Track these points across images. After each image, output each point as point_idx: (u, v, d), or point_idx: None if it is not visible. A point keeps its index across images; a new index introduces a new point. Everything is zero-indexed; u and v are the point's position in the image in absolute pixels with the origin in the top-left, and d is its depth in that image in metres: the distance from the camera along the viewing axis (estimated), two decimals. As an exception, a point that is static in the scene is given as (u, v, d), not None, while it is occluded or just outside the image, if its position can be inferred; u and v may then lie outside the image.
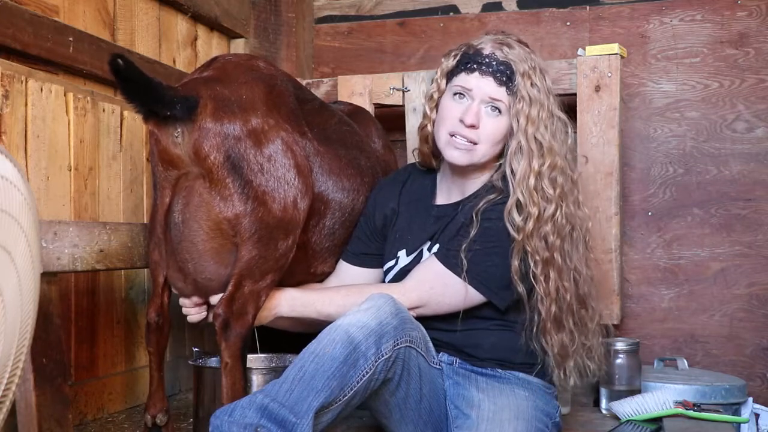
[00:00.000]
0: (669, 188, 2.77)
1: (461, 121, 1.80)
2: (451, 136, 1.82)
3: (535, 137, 1.78)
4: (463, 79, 1.82)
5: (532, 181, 1.77)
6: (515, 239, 1.75)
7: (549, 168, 1.78)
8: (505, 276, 1.78)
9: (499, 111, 1.81)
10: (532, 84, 1.79)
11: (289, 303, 1.81)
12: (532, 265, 1.76)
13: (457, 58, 1.86)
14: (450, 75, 1.87)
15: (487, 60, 1.80)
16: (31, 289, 1.10)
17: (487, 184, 1.87)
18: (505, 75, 1.79)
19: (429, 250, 1.88)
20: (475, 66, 1.81)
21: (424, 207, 1.96)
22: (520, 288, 1.76)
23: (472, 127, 1.80)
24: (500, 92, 1.80)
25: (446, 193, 1.95)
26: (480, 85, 1.80)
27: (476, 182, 1.89)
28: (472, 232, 1.77)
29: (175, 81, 1.85)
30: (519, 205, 1.77)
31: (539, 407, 1.79)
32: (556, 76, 2.44)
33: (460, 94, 1.83)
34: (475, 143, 1.81)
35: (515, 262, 1.75)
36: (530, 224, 1.75)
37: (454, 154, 1.83)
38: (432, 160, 1.98)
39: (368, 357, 1.56)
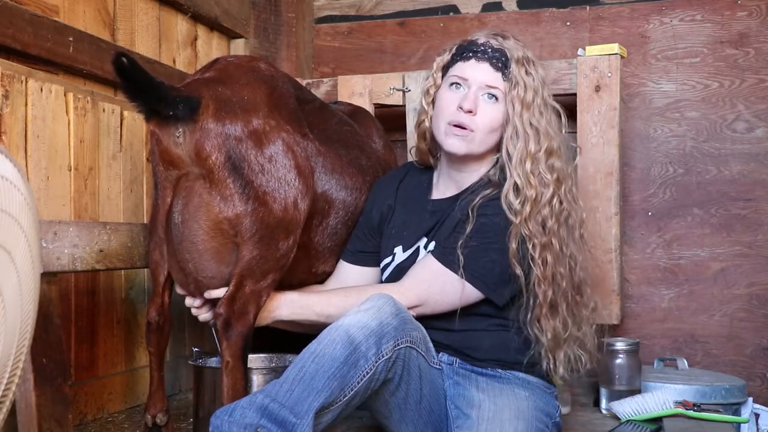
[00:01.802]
0: (669, 188, 2.77)
1: (459, 107, 1.81)
2: (450, 125, 1.83)
3: (530, 122, 1.79)
4: (459, 69, 1.84)
5: (528, 164, 1.78)
6: (513, 222, 1.75)
7: (545, 153, 1.79)
8: (503, 272, 1.78)
9: (496, 98, 1.82)
10: (527, 72, 1.81)
11: (289, 305, 1.81)
12: (530, 248, 1.76)
13: (452, 52, 1.88)
14: (446, 68, 1.89)
15: (482, 48, 1.83)
16: (31, 289, 1.10)
17: (483, 179, 1.87)
18: (500, 61, 1.81)
19: (425, 246, 1.88)
20: (470, 54, 1.83)
21: (420, 202, 1.96)
22: (518, 271, 1.76)
23: (470, 112, 1.81)
24: (496, 78, 1.81)
25: (442, 188, 1.95)
26: (476, 73, 1.82)
27: (473, 176, 1.89)
28: (468, 228, 1.77)
29: (176, 81, 1.85)
30: (516, 189, 1.77)
31: (539, 407, 1.79)
32: (556, 76, 2.44)
33: (457, 83, 1.84)
34: (472, 131, 1.81)
35: (513, 245, 1.75)
36: (527, 207, 1.75)
37: (452, 142, 1.83)
38: (429, 158, 1.98)
39: (369, 357, 1.56)
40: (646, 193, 2.79)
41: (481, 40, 1.84)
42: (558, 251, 1.78)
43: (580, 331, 1.84)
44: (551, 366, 1.81)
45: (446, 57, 1.89)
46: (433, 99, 1.90)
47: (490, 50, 1.82)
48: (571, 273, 1.81)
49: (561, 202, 1.80)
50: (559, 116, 1.86)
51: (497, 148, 1.87)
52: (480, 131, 1.82)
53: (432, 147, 1.95)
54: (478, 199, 1.81)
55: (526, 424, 1.71)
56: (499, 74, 1.81)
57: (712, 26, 2.75)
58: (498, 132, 1.84)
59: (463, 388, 1.80)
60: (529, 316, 1.79)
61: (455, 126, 1.82)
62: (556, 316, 1.79)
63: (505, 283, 1.79)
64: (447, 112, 1.84)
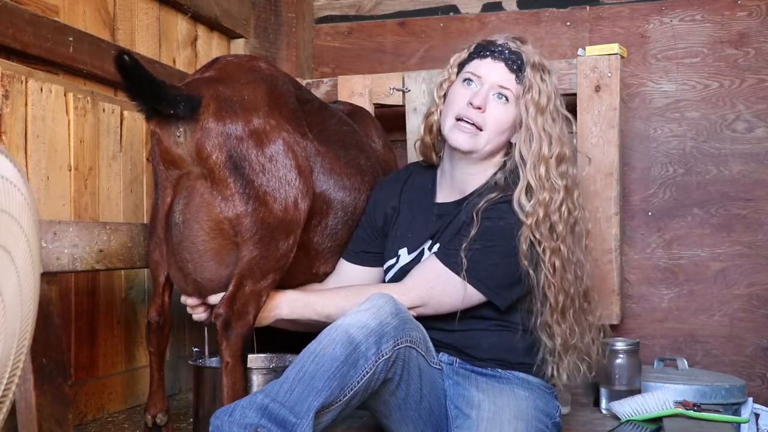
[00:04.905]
0: (669, 188, 2.77)
1: (469, 103, 1.81)
2: (458, 120, 1.83)
3: (544, 127, 1.81)
4: (474, 66, 1.86)
5: (542, 168, 1.79)
6: (524, 223, 1.76)
7: (557, 159, 1.80)
8: (506, 275, 1.78)
9: (507, 99, 1.83)
10: (541, 78, 1.82)
11: (289, 305, 1.81)
12: (540, 252, 1.77)
13: (470, 50, 1.90)
14: (462, 65, 1.90)
15: (500, 48, 1.85)
16: (31, 289, 1.10)
17: (489, 182, 1.87)
18: (516, 63, 1.83)
19: (430, 248, 1.89)
20: (487, 53, 1.85)
21: (425, 205, 1.96)
22: (531, 273, 1.76)
23: (479, 109, 1.81)
24: (510, 80, 1.82)
25: (447, 191, 1.95)
26: (490, 71, 1.83)
27: (478, 178, 1.89)
28: (473, 232, 1.77)
29: (176, 81, 1.85)
30: (529, 191, 1.78)
31: (539, 407, 1.79)
32: (557, 76, 2.44)
33: (469, 80, 1.85)
34: (480, 128, 1.82)
35: (523, 246, 1.76)
36: (540, 211, 1.76)
37: (458, 137, 1.83)
38: (432, 154, 1.99)
39: (368, 357, 1.56)
40: (646, 193, 2.79)
41: (500, 41, 1.86)
42: (566, 257, 1.79)
43: (585, 339, 1.85)
44: (555, 372, 1.81)
45: (464, 54, 1.91)
46: (445, 93, 1.91)
47: (507, 51, 1.84)
48: (577, 280, 1.82)
49: (570, 210, 1.81)
50: (570, 124, 1.87)
51: (505, 151, 1.87)
52: (488, 130, 1.82)
53: (436, 142, 1.96)
54: (483, 202, 1.81)
55: (526, 424, 1.72)
56: (513, 76, 1.82)
57: (712, 26, 2.75)
58: (506, 134, 1.85)
59: (463, 388, 1.80)
60: (538, 320, 1.79)
61: (463, 121, 1.82)
62: (565, 321, 1.80)
63: (507, 286, 1.79)
64: (457, 106, 1.84)
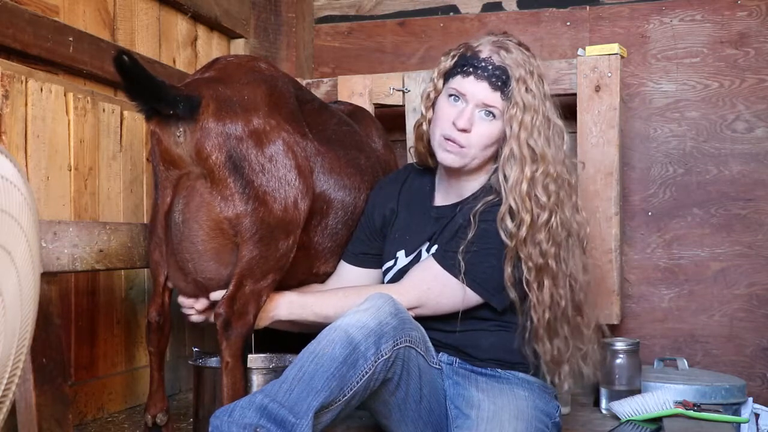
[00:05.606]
0: (669, 188, 2.77)
1: (454, 123, 1.80)
2: (444, 138, 1.82)
3: (528, 143, 1.77)
4: (458, 83, 1.81)
5: (524, 187, 1.76)
6: (508, 245, 1.75)
7: (542, 175, 1.77)
8: (503, 277, 1.77)
9: (493, 115, 1.80)
10: (527, 89, 1.78)
11: (288, 306, 1.81)
12: (525, 271, 1.75)
13: (455, 59, 1.85)
14: (447, 76, 1.86)
15: (483, 64, 1.79)
16: (31, 289, 1.10)
17: (486, 186, 1.87)
18: (500, 80, 1.78)
19: (428, 251, 1.89)
20: (471, 69, 1.80)
21: (423, 208, 1.96)
22: (513, 294, 1.76)
23: (464, 131, 1.80)
24: (494, 97, 1.79)
25: (444, 194, 1.95)
26: (474, 90, 1.79)
27: (473, 184, 1.89)
28: (470, 234, 1.77)
29: (176, 81, 1.85)
30: (511, 212, 1.76)
31: (539, 407, 1.79)
32: (556, 76, 2.44)
33: (455, 96, 1.82)
34: (464, 147, 1.81)
35: (508, 269, 1.75)
36: (523, 231, 1.74)
37: (445, 156, 1.83)
38: (428, 159, 1.98)
39: (368, 357, 1.56)
40: (646, 193, 2.79)
41: (484, 54, 1.80)
42: (556, 272, 1.77)
43: (584, 346, 1.84)
44: (556, 380, 1.81)
45: (448, 63, 1.86)
46: (432, 103, 1.89)
47: (490, 67, 1.78)
48: (571, 292, 1.81)
49: (562, 222, 1.78)
50: (562, 131, 1.83)
51: (496, 158, 1.86)
52: (474, 148, 1.81)
53: (430, 150, 1.94)
54: (480, 205, 1.81)
55: (526, 424, 1.72)
56: (498, 93, 1.78)
57: (712, 26, 2.75)
58: (494, 147, 1.83)
59: (463, 388, 1.80)
60: (527, 336, 1.79)
61: (449, 140, 1.81)
62: (556, 336, 1.79)
63: (504, 288, 1.79)
64: (443, 124, 1.82)
